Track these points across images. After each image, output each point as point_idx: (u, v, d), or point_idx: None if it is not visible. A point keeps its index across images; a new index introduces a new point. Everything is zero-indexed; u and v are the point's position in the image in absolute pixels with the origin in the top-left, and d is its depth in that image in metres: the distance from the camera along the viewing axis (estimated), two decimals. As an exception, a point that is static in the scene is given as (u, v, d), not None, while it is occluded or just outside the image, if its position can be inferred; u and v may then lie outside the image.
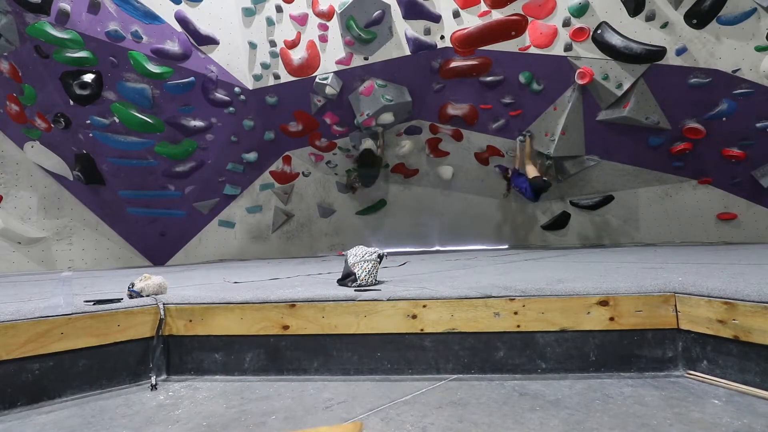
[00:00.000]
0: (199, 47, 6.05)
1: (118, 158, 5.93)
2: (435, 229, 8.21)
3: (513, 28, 5.76)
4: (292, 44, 6.40)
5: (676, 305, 1.89)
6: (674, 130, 5.65)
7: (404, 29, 6.11)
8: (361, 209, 8.29)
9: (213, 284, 2.95)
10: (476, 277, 2.68)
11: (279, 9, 6.30)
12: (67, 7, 5.04)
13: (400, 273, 3.20)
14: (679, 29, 5.06)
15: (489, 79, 6.18)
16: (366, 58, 6.29)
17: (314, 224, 8.13)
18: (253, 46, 6.44)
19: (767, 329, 1.56)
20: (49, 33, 5.02)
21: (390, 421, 1.48)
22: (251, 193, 7.42)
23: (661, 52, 5.18)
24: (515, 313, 1.96)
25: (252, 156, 7.04)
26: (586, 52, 5.52)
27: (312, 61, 6.41)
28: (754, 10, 4.71)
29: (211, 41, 6.14)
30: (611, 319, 1.91)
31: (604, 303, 1.92)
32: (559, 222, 7.28)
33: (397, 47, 6.20)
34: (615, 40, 5.31)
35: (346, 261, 2.53)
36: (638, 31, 5.25)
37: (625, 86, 5.52)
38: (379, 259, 2.53)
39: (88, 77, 5.36)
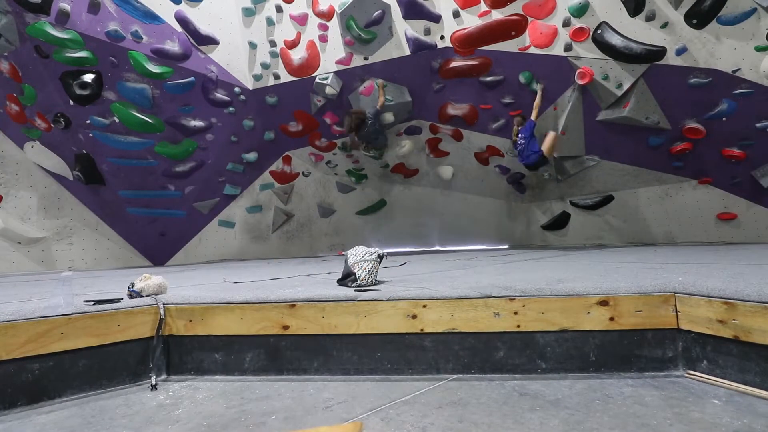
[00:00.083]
0: (199, 47, 6.05)
1: (118, 158, 5.93)
2: (435, 229, 8.21)
3: (513, 28, 5.75)
4: (292, 44, 6.40)
5: (676, 305, 1.89)
6: (674, 130, 5.64)
7: (404, 29, 6.11)
8: (361, 209, 8.29)
9: (213, 284, 2.95)
10: (476, 277, 2.68)
11: (279, 9, 6.31)
12: (67, 7, 5.04)
13: (400, 273, 3.20)
14: (679, 29, 5.06)
15: (489, 79, 6.18)
16: (366, 58, 6.29)
17: (314, 224, 8.13)
18: (253, 46, 6.44)
19: (767, 329, 1.56)
20: (49, 33, 5.02)
21: (390, 421, 1.48)
22: (251, 193, 7.43)
23: (661, 52, 5.18)
24: (515, 313, 1.96)
25: (252, 156, 7.04)
26: (586, 52, 5.51)
27: (312, 61, 6.41)
28: (754, 10, 4.71)
29: (211, 41, 6.14)
30: (611, 319, 1.91)
31: (604, 303, 1.92)
32: (559, 222, 7.28)
33: (397, 47, 6.20)
34: (615, 40, 5.31)
35: (346, 261, 2.53)
36: (638, 31, 5.24)
37: (625, 86, 5.52)
38: (379, 259, 2.53)
39: (88, 77, 5.36)
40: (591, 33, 5.41)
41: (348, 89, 6.57)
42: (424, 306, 2.01)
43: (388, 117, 6.64)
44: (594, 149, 6.32)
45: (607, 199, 6.75)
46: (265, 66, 6.48)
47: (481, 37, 5.91)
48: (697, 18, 4.92)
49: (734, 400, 1.53)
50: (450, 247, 8.06)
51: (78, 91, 5.37)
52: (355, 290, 2.24)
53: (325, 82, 6.40)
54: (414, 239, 8.31)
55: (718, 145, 5.53)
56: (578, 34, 5.45)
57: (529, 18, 5.68)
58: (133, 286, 2.33)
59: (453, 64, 6.20)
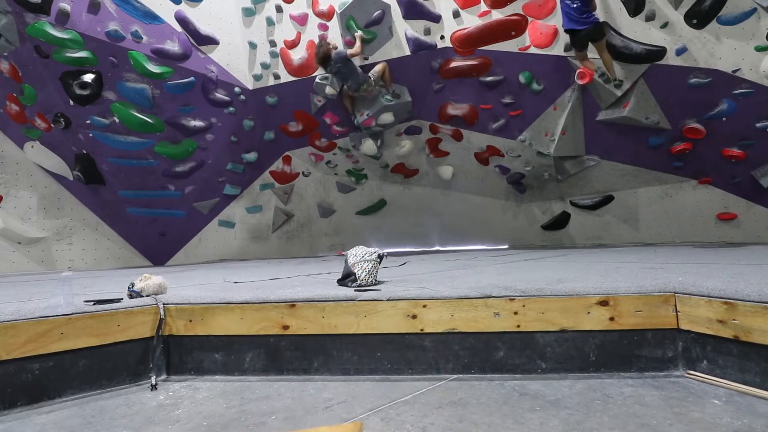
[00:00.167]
0: (199, 47, 6.05)
1: (118, 158, 5.93)
2: (435, 229, 8.21)
3: (513, 28, 5.76)
4: (292, 44, 6.41)
5: (676, 305, 1.89)
6: (674, 130, 5.64)
7: (404, 29, 6.11)
8: (361, 209, 8.29)
9: (213, 284, 2.95)
10: (476, 277, 2.68)
11: (279, 9, 6.31)
12: (67, 7, 5.04)
13: (400, 273, 3.20)
14: (679, 29, 5.06)
15: (489, 79, 6.18)
16: (366, 58, 6.29)
17: (314, 224, 8.13)
18: (253, 46, 6.44)
19: (767, 329, 1.56)
20: (49, 33, 5.02)
21: (390, 421, 1.48)
22: (251, 193, 7.43)
23: (661, 52, 5.18)
24: (515, 313, 1.96)
25: (252, 156, 7.04)
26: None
27: (312, 61, 6.41)
28: (754, 10, 4.71)
29: (211, 41, 6.15)
30: (611, 319, 1.91)
31: (604, 303, 1.92)
32: (559, 222, 7.28)
33: (397, 47, 6.20)
34: (615, 40, 5.31)
35: (346, 261, 2.53)
36: (638, 31, 5.25)
37: (625, 86, 5.52)
38: (379, 259, 2.53)
39: (88, 77, 5.36)
40: (591, 33, 5.39)
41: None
42: (424, 306, 2.01)
43: (388, 117, 6.64)
44: (594, 149, 6.32)
45: (607, 199, 6.75)
46: (265, 66, 6.48)
47: (481, 37, 5.91)
48: (697, 18, 4.92)
49: (734, 400, 1.53)
50: (450, 247, 8.05)
51: (78, 91, 5.37)
52: (355, 290, 2.24)
53: (325, 82, 6.40)
54: (414, 239, 8.31)
55: (718, 145, 5.53)
56: (578, 34, 5.44)
57: (529, 18, 5.69)
58: (133, 286, 2.34)
59: (453, 64, 6.20)
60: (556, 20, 5.53)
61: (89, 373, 1.92)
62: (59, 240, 6.13)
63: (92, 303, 2.09)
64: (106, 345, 1.97)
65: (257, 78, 6.53)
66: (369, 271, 2.46)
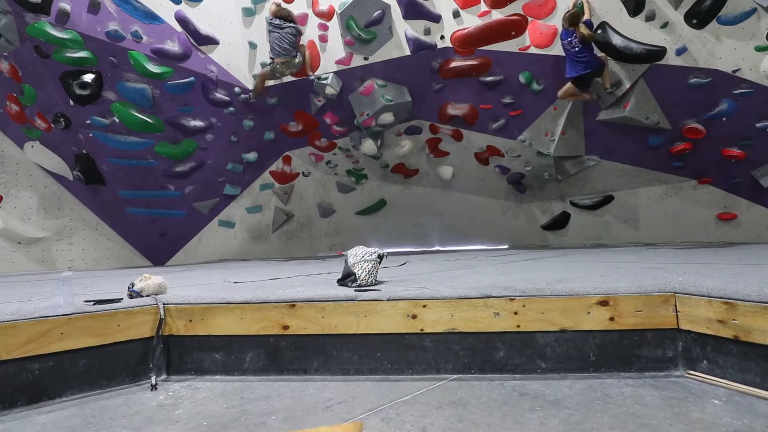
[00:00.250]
0: (199, 47, 6.05)
1: (118, 158, 5.93)
2: (435, 229, 8.21)
3: (513, 28, 5.76)
4: (292, 44, 6.40)
5: (676, 305, 1.89)
6: (674, 130, 5.64)
7: (404, 29, 6.11)
8: (361, 209, 8.29)
9: (213, 284, 2.95)
10: (476, 277, 2.68)
11: (279, 9, 6.30)
12: (67, 7, 5.04)
13: (400, 273, 3.20)
14: (679, 29, 5.06)
15: (489, 79, 6.18)
16: (366, 58, 6.28)
17: (314, 224, 8.13)
18: (253, 46, 6.44)
19: (767, 329, 1.56)
20: (49, 33, 5.03)
21: (390, 421, 1.48)
22: (251, 193, 7.42)
23: (661, 52, 5.18)
24: (515, 313, 1.96)
25: (252, 156, 7.04)
26: (586, 52, 5.50)
27: (312, 61, 6.41)
28: (754, 10, 4.71)
29: (211, 41, 6.14)
30: (611, 319, 1.91)
31: (604, 303, 1.92)
32: (559, 222, 7.27)
33: (397, 47, 6.20)
34: (615, 40, 5.31)
35: (346, 261, 2.53)
36: (638, 31, 5.24)
37: (625, 86, 5.52)
38: (379, 260, 2.53)
39: (88, 77, 5.37)
40: (591, 33, 5.40)
41: (348, 89, 6.57)
42: (424, 306, 2.01)
43: (388, 117, 6.64)
44: (594, 149, 6.32)
45: (607, 199, 6.75)
46: (265, 66, 6.48)
47: (481, 37, 5.91)
48: (697, 18, 4.92)
49: (734, 400, 1.53)
50: (450, 247, 8.05)
51: (78, 91, 5.37)
52: (355, 290, 2.24)
53: (325, 82, 6.40)
54: (414, 239, 8.31)
55: (718, 145, 5.53)
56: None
57: (529, 18, 5.69)
58: (133, 286, 2.34)
59: (453, 64, 6.20)
60: (556, 20, 5.53)
61: (89, 373, 1.92)
62: (59, 240, 6.13)
63: (92, 303, 2.09)
64: (106, 345, 1.97)
65: (257, 78, 6.53)
66: (369, 271, 2.46)
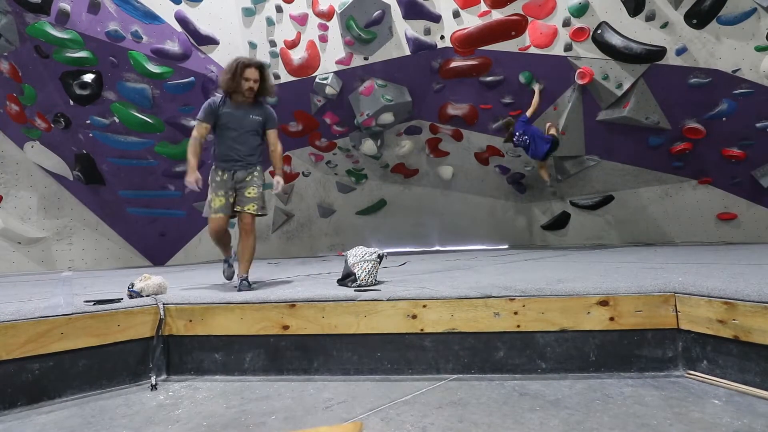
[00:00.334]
0: (199, 47, 6.05)
1: (118, 158, 5.93)
2: (435, 229, 8.21)
3: (513, 28, 5.75)
4: (292, 44, 6.40)
5: (676, 305, 1.89)
6: (674, 130, 5.64)
7: (404, 29, 6.11)
8: (361, 209, 8.29)
9: (213, 284, 2.95)
10: (476, 277, 2.68)
11: (279, 9, 6.30)
12: (67, 7, 5.04)
13: (400, 273, 3.20)
14: (679, 29, 5.05)
15: (489, 79, 6.18)
16: (366, 58, 6.28)
17: (314, 224, 8.13)
18: (253, 46, 6.44)
19: (767, 329, 1.56)
20: (49, 33, 5.02)
21: (390, 421, 1.48)
22: (251, 193, 7.41)
23: (661, 52, 5.18)
24: (515, 313, 1.96)
25: (252, 156, 7.02)
26: (586, 52, 5.51)
27: (312, 61, 6.41)
28: (754, 10, 4.71)
29: (211, 41, 6.14)
30: (611, 319, 1.91)
31: (604, 303, 1.92)
32: (559, 222, 7.28)
33: (397, 47, 6.20)
34: (615, 40, 5.30)
35: (346, 261, 2.53)
36: (638, 31, 5.24)
37: (625, 86, 5.51)
38: (379, 260, 2.53)
39: (88, 77, 5.36)
40: (591, 33, 5.41)
41: (348, 89, 6.57)
42: (424, 306, 2.01)
43: (388, 117, 6.64)
44: (594, 149, 6.32)
45: (607, 199, 6.75)
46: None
47: (481, 37, 5.90)
48: (697, 18, 4.91)
49: (734, 400, 1.53)
50: (450, 247, 8.06)
51: (78, 91, 5.37)
52: (355, 290, 2.24)
53: (325, 82, 6.40)
54: (414, 239, 8.31)
55: (718, 145, 5.53)
56: (578, 34, 5.45)
57: (529, 18, 5.68)
58: (133, 286, 2.34)
59: (453, 64, 6.20)
60: (556, 20, 5.53)
61: (89, 373, 1.92)
62: (59, 240, 6.13)
63: (92, 303, 2.09)
64: (106, 345, 1.97)
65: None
66: (369, 271, 2.46)
